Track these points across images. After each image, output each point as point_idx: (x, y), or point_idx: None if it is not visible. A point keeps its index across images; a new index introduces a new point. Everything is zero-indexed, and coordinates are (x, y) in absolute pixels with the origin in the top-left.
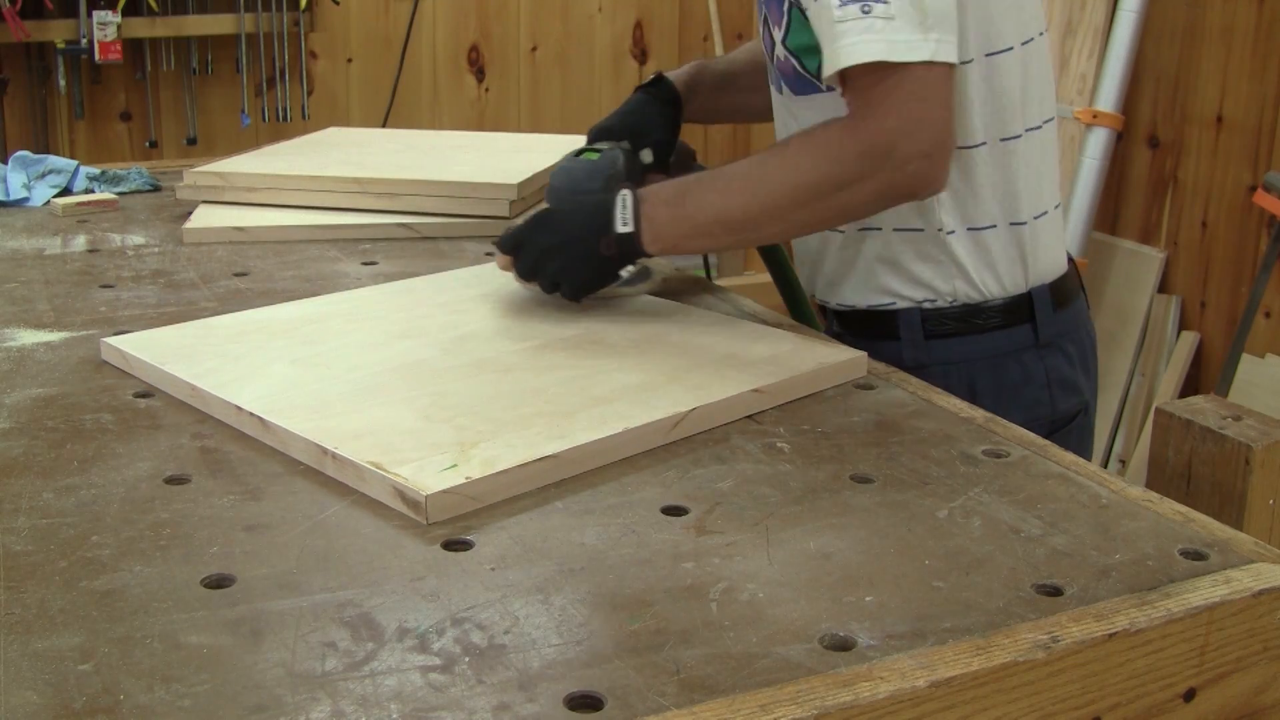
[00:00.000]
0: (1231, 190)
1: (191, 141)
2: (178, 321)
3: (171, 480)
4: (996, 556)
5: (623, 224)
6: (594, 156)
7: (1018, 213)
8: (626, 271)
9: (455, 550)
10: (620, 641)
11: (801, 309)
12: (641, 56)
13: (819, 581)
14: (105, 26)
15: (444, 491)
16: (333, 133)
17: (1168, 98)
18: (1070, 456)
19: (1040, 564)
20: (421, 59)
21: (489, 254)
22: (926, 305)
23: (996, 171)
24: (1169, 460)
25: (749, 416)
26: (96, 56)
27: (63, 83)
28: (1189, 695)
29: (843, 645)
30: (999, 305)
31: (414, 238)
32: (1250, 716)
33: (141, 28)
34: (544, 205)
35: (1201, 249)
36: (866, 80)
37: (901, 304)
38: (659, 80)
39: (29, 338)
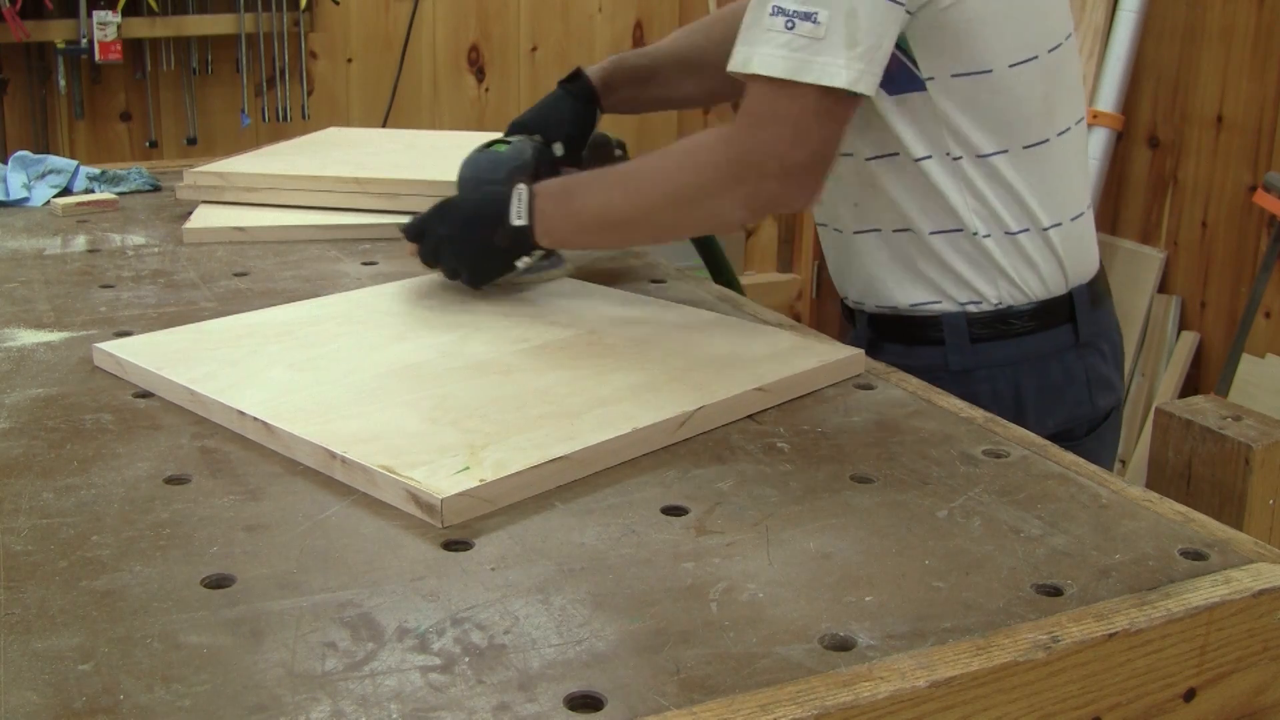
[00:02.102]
0: (1231, 190)
1: (191, 141)
2: (178, 322)
3: (171, 480)
4: (996, 556)
5: (517, 217)
6: (502, 149)
7: (1052, 215)
8: (523, 263)
9: (455, 550)
10: (620, 641)
11: (732, 286)
12: None
13: (819, 581)
14: (105, 26)
15: (459, 494)
16: (333, 133)
17: (1168, 98)
18: (1070, 456)
19: (1040, 564)
20: (421, 59)
21: None
22: (971, 308)
23: (1021, 178)
24: (1169, 460)
25: (749, 416)
26: (96, 56)
27: (63, 83)
28: (1189, 695)
29: (843, 645)
30: (1041, 306)
31: None
32: (1250, 716)
33: (141, 28)
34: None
35: (1201, 249)
36: (766, 91)
37: (946, 305)
38: (576, 75)
39: (29, 338)
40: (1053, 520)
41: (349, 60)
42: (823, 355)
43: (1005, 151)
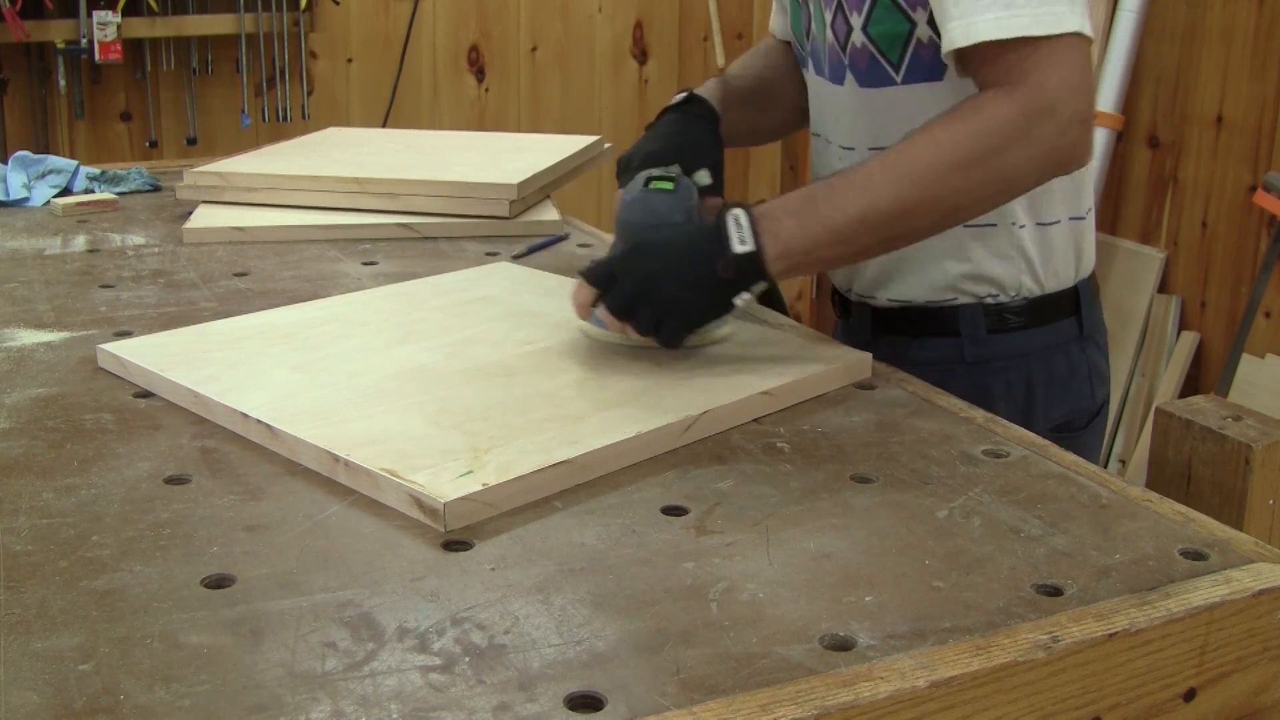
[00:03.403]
0: (1231, 190)
1: (191, 141)
2: (178, 322)
3: (171, 480)
4: (996, 556)
5: (740, 243)
6: (668, 186)
7: (1077, 208)
8: (741, 300)
9: (455, 550)
10: (620, 641)
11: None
12: (641, 56)
13: (819, 581)
14: (105, 26)
15: (462, 498)
16: (333, 133)
17: (1168, 98)
18: (1070, 457)
19: (1040, 564)
20: (421, 59)
21: (490, 254)
22: (989, 300)
23: None
24: (1169, 460)
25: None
26: (96, 56)
27: (63, 83)
28: (1189, 695)
29: (843, 645)
30: (1052, 299)
31: (414, 238)
32: (1250, 716)
33: (141, 28)
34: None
35: (1201, 249)
36: (1013, 54)
37: (964, 299)
38: (693, 98)
39: (29, 338)
40: (1053, 520)
41: (349, 60)
42: (829, 358)
43: None
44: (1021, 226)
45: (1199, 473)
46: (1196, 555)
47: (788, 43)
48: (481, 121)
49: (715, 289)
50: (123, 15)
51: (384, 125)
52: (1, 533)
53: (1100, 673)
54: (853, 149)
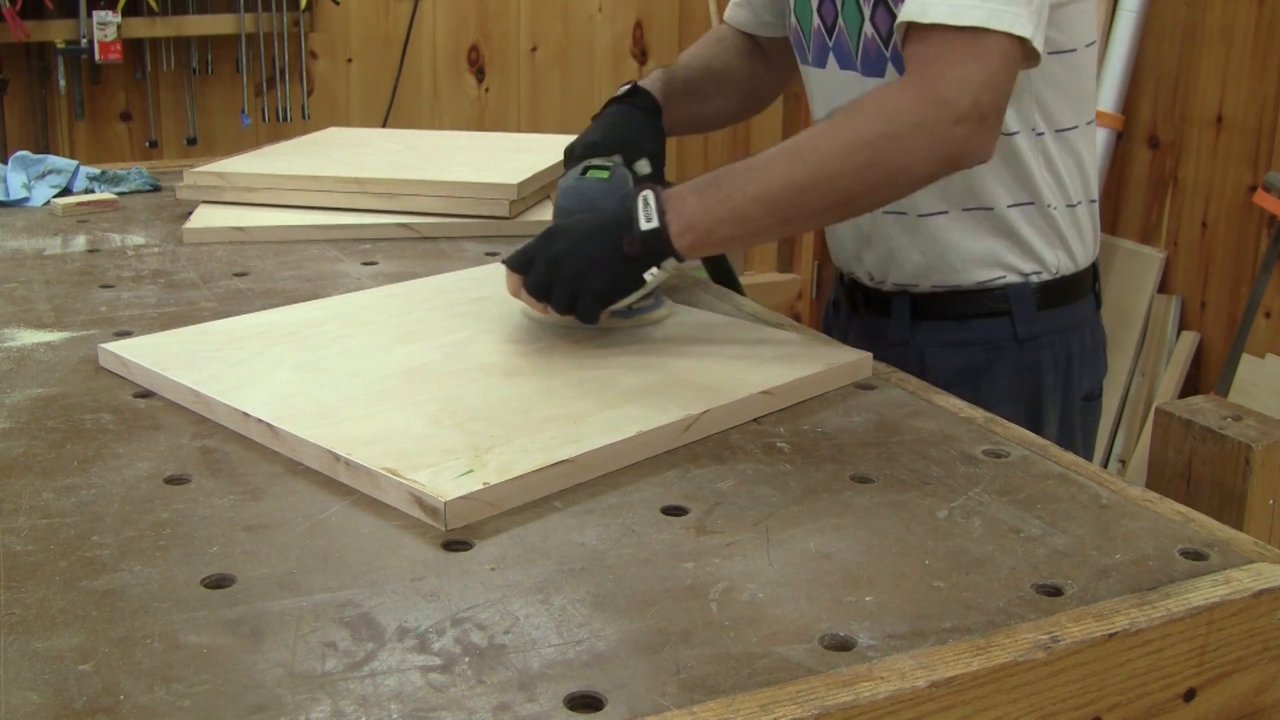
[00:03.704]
0: (1231, 190)
1: (191, 141)
2: (178, 321)
3: (171, 480)
4: (996, 556)
5: (646, 220)
6: (603, 174)
7: (1092, 190)
8: (651, 275)
9: (455, 550)
10: (620, 641)
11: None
12: (641, 56)
13: (819, 581)
14: (105, 26)
15: (463, 497)
16: (333, 133)
17: (1168, 98)
18: (1070, 456)
19: (1040, 564)
20: (421, 59)
21: (490, 254)
22: (1034, 278)
23: (1085, 152)
24: (1169, 460)
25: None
26: (96, 56)
27: (63, 83)
28: (1189, 695)
29: (843, 645)
30: (1081, 275)
31: (414, 238)
32: (1250, 716)
33: (141, 28)
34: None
35: (1201, 249)
36: (953, 38)
37: (1011, 276)
38: (636, 90)
39: (29, 338)
40: (1053, 520)
41: (349, 60)
42: (830, 359)
43: (1076, 127)
44: (1054, 208)
45: (1199, 473)
46: (1196, 555)
47: (744, 33)
48: (481, 121)
49: (621, 265)
50: (123, 15)
51: (384, 125)
52: (1, 533)
53: (1100, 673)
54: None
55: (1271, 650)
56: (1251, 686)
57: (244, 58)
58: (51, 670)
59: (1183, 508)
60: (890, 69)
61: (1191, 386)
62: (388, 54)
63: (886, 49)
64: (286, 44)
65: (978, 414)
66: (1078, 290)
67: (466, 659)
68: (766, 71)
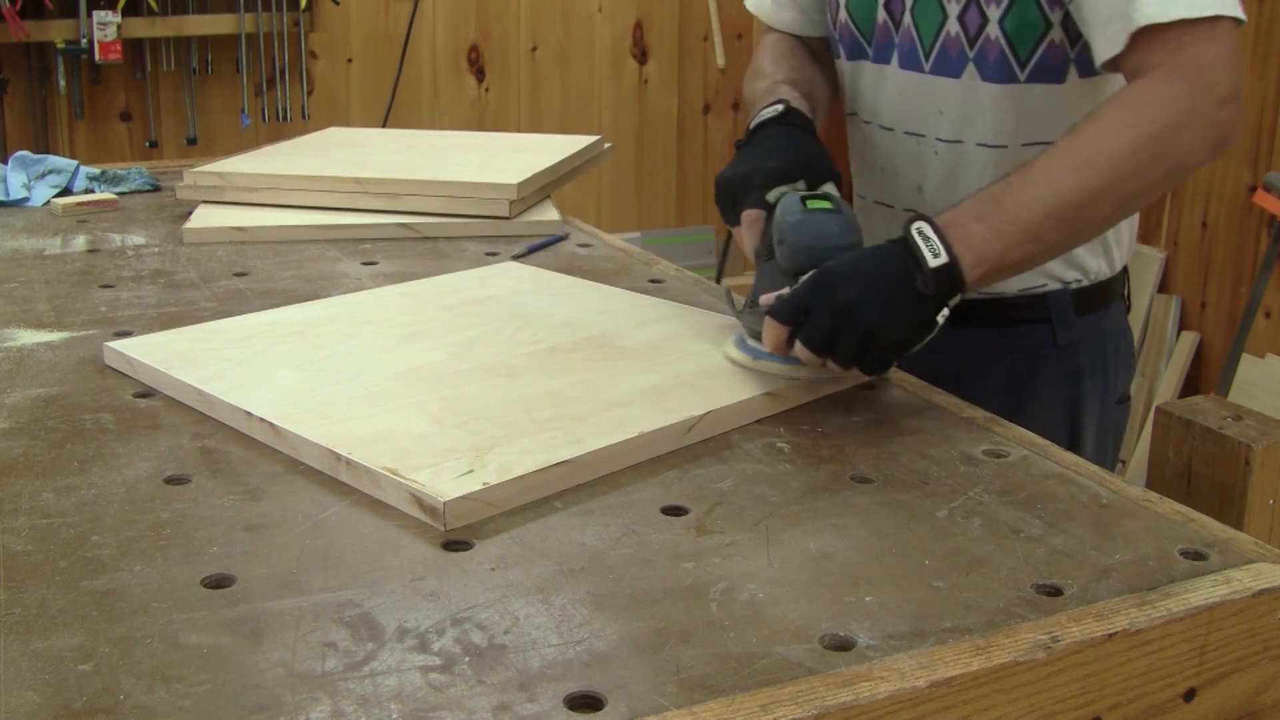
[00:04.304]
0: (1231, 190)
1: (191, 141)
2: (178, 321)
3: (171, 480)
4: (996, 556)
5: (934, 256)
6: (826, 204)
7: None
8: (942, 316)
9: (455, 550)
10: (620, 641)
11: None
12: (641, 56)
13: (819, 581)
14: (105, 26)
15: (462, 497)
16: (333, 133)
17: None
18: (1070, 456)
19: (1040, 564)
20: (421, 59)
21: (490, 254)
22: (1073, 285)
23: None
24: (1169, 460)
25: None
26: (96, 56)
27: (63, 83)
28: (1189, 695)
29: (843, 645)
30: (1115, 279)
31: (414, 238)
32: (1250, 716)
33: (141, 28)
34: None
35: (1201, 249)
36: (1172, 37)
37: (1052, 285)
38: (791, 110)
39: (29, 338)
40: (1053, 520)
41: (349, 60)
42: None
43: None
44: None
45: (1199, 473)
46: (1196, 555)
47: (795, 36)
48: (481, 121)
49: (918, 308)
50: (123, 15)
51: (384, 125)
52: (1, 533)
53: (1100, 673)
54: (961, 142)
55: (1271, 650)
56: (1251, 686)
57: (244, 58)
58: (51, 670)
59: (1183, 508)
60: (970, 69)
61: (1191, 386)
62: (388, 54)
63: (971, 50)
64: (286, 44)
65: (978, 414)
66: (1111, 294)
67: (466, 659)
68: (831, 72)
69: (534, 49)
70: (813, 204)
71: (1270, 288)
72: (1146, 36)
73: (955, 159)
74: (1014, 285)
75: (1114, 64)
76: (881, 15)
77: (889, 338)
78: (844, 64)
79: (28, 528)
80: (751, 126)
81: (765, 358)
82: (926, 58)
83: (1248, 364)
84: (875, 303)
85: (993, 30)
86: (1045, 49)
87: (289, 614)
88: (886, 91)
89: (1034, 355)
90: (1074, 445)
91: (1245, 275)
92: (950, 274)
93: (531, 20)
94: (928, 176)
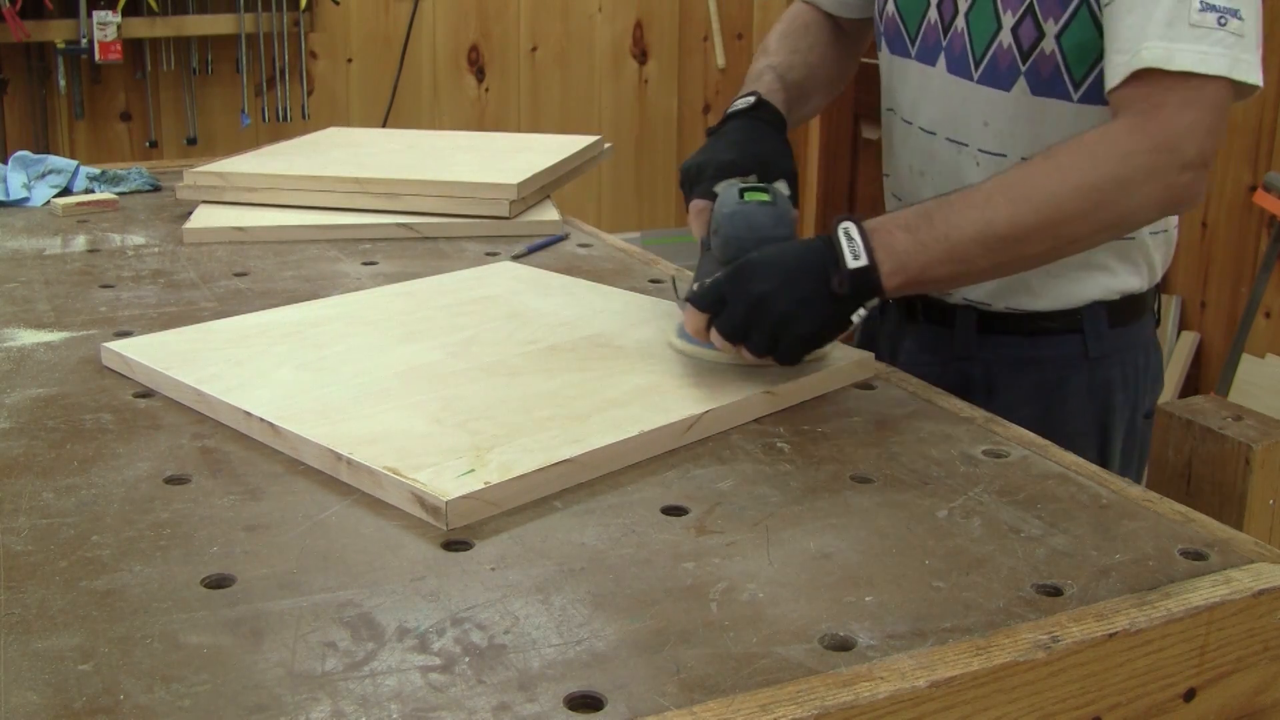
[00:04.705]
0: (1231, 190)
1: (191, 141)
2: (178, 321)
3: (171, 480)
4: (996, 556)
5: (854, 258)
6: (763, 197)
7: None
8: (857, 316)
9: (455, 550)
10: (620, 641)
11: None
12: (641, 56)
13: (819, 581)
14: (105, 26)
15: (464, 497)
16: (333, 133)
17: None
18: (1070, 456)
19: (1040, 564)
20: (421, 59)
21: (490, 254)
22: (1108, 299)
23: None
24: (1169, 460)
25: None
26: (96, 56)
27: (63, 83)
28: (1189, 695)
29: (843, 645)
30: (1148, 294)
31: (414, 238)
32: (1250, 716)
33: (141, 28)
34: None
35: (1201, 249)
36: (1174, 83)
37: (1087, 299)
38: (760, 103)
39: (29, 338)
40: (1053, 520)
41: (349, 60)
42: (832, 359)
43: None
44: (1146, 235)
45: (1199, 473)
46: (1196, 555)
47: (825, 13)
48: (481, 121)
49: (830, 306)
50: (123, 15)
51: (384, 125)
52: (1, 533)
53: (1100, 673)
54: (1004, 156)
55: (1271, 650)
56: (1251, 686)
57: (244, 58)
58: (51, 670)
59: (1183, 508)
60: (1022, 83)
61: (1191, 386)
62: (388, 54)
63: (1024, 63)
64: (286, 44)
65: (978, 414)
66: (1144, 308)
67: (466, 659)
68: (846, 56)
69: (534, 49)
70: (750, 195)
71: (1270, 288)
72: (1139, 80)
73: (998, 172)
74: (1050, 304)
75: (1109, 95)
76: (933, 15)
77: (799, 331)
78: (886, 56)
79: (28, 528)
80: (724, 116)
81: (695, 344)
82: (976, 66)
83: (1248, 364)
84: (788, 297)
85: (1049, 45)
86: (1101, 72)
87: (289, 614)
88: (930, 94)
89: (1064, 365)
90: (1102, 458)
91: (1245, 275)
92: (867, 277)
93: (531, 20)
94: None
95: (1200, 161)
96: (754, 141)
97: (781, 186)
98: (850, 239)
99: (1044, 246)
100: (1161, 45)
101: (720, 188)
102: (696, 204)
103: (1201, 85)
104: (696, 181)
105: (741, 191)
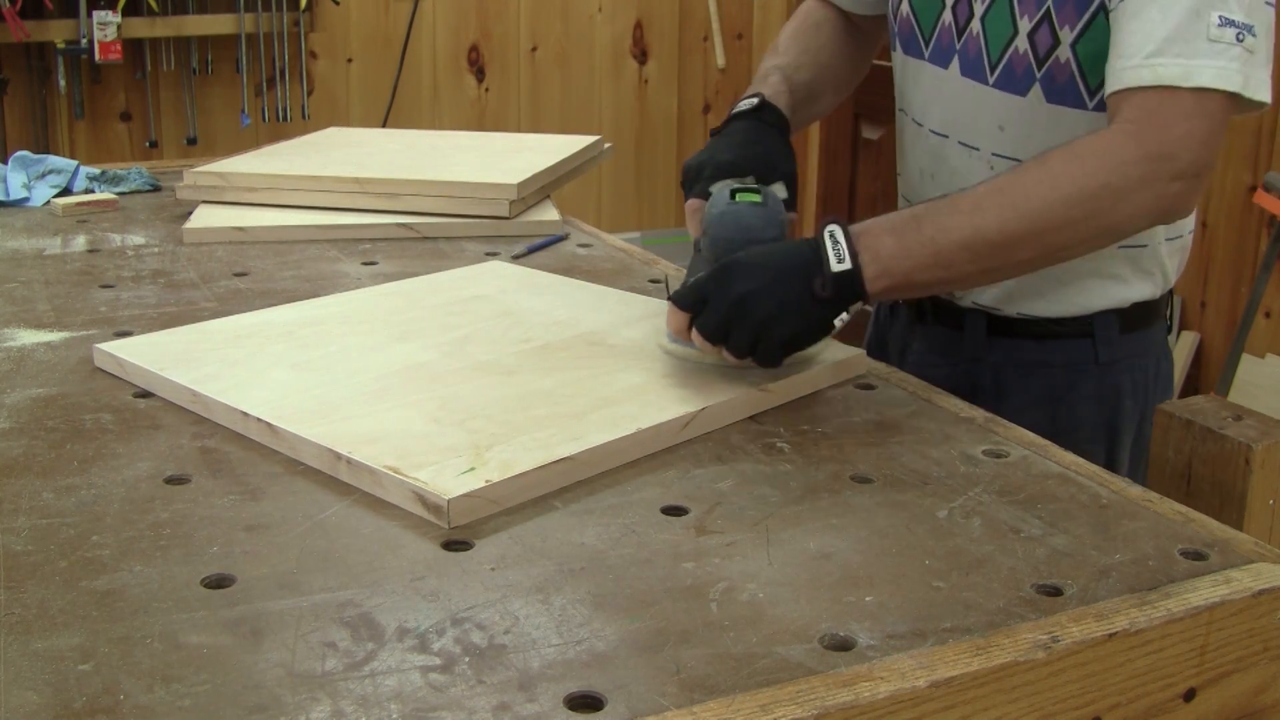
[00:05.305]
0: (1231, 190)
1: (191, 141)
2: (178, 321)
3: (171, 480)
4: (996, 556)
5: (838, 261)
6: (754, 198)
7: (1193, 223)
8: (840, 320)
9: (455, 550)
10: (620, 641)
11: None
12: (641, 56)
13: (819, 581)
14: (105, 26)
15: (465, 495)
16: (333, 133)
17: None
18: (1070, 456)
19: (1040, 564)
20: (421, 59)
21: (490, 254)
22: (1121, 307)
23: None
24: (1169, 460)
25: (750, 416)
26: (96, 56)
27: (63, 83)
28: (1189, 695)
29: (843, 645)
30: (1161, 301)
31: (414, 238)
32: (1250, 716)
33: (141, 28)
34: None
35: (1201, 249)
36: (1174, 95)
37: (1098, 306)
38: (764, 105)
39: (29, 338)
40: (1053, 520)
41: (349, 60)
42: (826, 356)
43: None
44: (1162, 242)
45: (1199, 473)
46: (1196, 555)
47: (838, 10)
48: (481, 121)
49: (812, 309)
50: (123, 15)
51: (384, 125)
52: (1, 533)
53: (1100, 673)
54: (1019, 160)
55: (1271, 650)
56: (1251, 686)
57: (244, 58)
58: (51, 670)
59: (1183, 508)
60: (1037, 89)
61: (1191, 386)
62: (388, 54)
63: (1039, 69)
64: (286, 44)
65: (978, 414)
66: (1156, 315)
67: (466, 659)
68: (859, 55)
69: (534, 49)
70: (741, 196)
71: (1270, 288)
72: (1136, 89)
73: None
74: (1060, 310)
75: (1107, 98)
76: (947, 17)
77: (780, 333)
78: (899, 57)
79: (28, 528)
80: (727, 116)
81: (681, 343)
82: (992, 70)
83: (1248, 364)
84: (769, 298)
85: (1064, 53)
86: None
87: (289, 614)
88: (942, 96)
89: (1074, 370)
90: (1110, 464)
91: (1245, 275)
92: (851, 281)
93: (531, 20)
94: None
95: (1193, 171)
96: (755, 143)
97: (778, 189)
98: (835, 242)
99: (1032, 254)
100: (1178, 63)
101: (714, 188)
102: (692, 203)
103: (1206, 98)
104: (695, 181)
105: (734, 192)
